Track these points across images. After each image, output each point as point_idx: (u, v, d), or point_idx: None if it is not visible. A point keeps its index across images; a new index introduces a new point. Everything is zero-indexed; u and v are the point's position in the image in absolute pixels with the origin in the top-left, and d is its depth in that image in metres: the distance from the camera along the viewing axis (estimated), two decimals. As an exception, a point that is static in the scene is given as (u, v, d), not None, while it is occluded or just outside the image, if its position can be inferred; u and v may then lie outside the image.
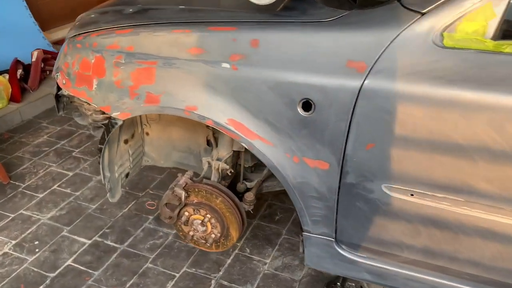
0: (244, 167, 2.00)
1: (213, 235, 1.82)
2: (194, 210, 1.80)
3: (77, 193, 2.62)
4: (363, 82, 1.24)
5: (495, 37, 1.18)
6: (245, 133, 1.42)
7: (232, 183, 2.00)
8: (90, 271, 2.10)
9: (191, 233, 1.84)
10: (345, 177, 1.37)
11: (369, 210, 1.40)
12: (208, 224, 1.79)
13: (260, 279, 2.08)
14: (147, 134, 2.08)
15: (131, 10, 1.73)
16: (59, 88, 1.90)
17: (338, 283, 1.79)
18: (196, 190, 1.77)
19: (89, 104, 1.77)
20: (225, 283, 2.05)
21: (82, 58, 1.65)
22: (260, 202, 2.57)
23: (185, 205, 1.80)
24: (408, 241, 1.42)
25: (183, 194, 1.76)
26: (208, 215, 1.77)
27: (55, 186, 2.67)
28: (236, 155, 1.94)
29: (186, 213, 1.81)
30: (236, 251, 2.24)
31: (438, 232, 1.36)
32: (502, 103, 1.14)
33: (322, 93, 1.29)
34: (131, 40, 1.53)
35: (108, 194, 1.94)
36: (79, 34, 1.70)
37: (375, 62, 1.23)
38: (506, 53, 1.15)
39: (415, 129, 1.23)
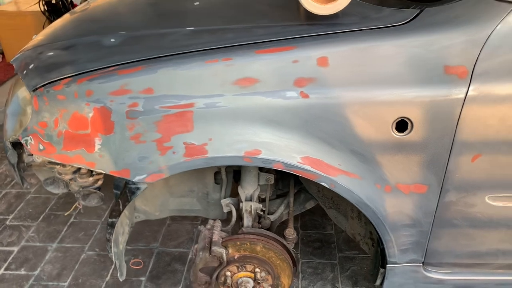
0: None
1: (263, 290, 1.54)
2: (238, 268, 1.49)
3: (36, 272, 2.09)
4: (468, 88, 1.08)
5: None
6: (325, 171, 1.17)
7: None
8: None
9: (236, 293, 1.54)
10: (444, 196, 1.22)
11: (468, 225, 1.27)
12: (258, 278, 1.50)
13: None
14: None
15: (113, 40, 1.34)
16: (20, 157, 1.44)
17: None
18: (238, 243, 1.47)
19: (64, 167, 1.36)
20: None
21: (71, 113, 1.23)
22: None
23: (228, 263, 1.48)
24: (505, 247, 1.31)
25: (223, 252, 1.44)
26: (257, 269, 1.48)
27: (1, 271, 2.10)
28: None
29: (228, 273, 1.49)
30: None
31: (542, 233, 1.27)
32: None
33: (420, 108, 1.10)
34: (147, 80, 1.17)
35: (118, 274, 1.53)
36: (54, 82, 1.26)
37: (475, 64, 1.08)
38: None
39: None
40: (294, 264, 1.56)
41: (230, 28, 1.26)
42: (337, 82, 1.11)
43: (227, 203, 1.60)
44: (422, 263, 1.38)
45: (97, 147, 1.23)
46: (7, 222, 2.40)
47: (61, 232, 2.32)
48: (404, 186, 1.20)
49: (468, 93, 1.08)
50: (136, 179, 1.22)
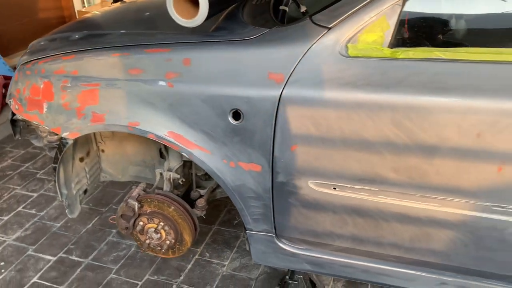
0: (199, 176, 2.13)
1: (168, 242, 1.94)
2: (148, 219, 1.92)
3: (42, 213, 2.70)
4: (282, 91, 1.40)
5: (391, 45, 1.36)
6: (184, 143, 1.56)
7: (186, 191, 2.13)
8: (56, 286, 2.18)
9: (147, 241, 1.96)
10: (276, 177, 1.52)
11: (300, 205, 1.56)
12: (162, 231, 1.91)
13: (219, 280, 2.20)
14: (103, 151, 2.19)
15: (77, 36, 1.86)
16: (13, 113, 2.01)
17: (287, 277, 1.93)
18: (149, 200, 1.89)
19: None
20: (186, 286, 2.16)
21: (31, 84, 1.76)
22: (220, 208, 2.71)
23: (140, 215, 1.92)
24: (337, 230, 1.57)
25: (136, 205, 1.88)
26: (162, 223, 1.89)
27: (19, 208, 2.74)
28: (189, 165, 2.08)
29: (141, 223, 1.93)
30: (196, 256, 2.36)
31: (361, 220, 1.52)
32: (400, 103, 1.31)
33: (248, 103, 1.44)
34: (75, 65, 1.65)
35: (66, 211, 2.05)
36: (28, 62, 1.81)
37: (291, 73, 1.39)
38: (400, 58, 1.33)
39: (329, 130, 1.39)
40: (196, 226, 1.94)
41: (140, 32, 1.71)
42: (193, 77, 1.50)
43: (157, 172, 2.03)
44: (276, 234, 1.68)
45: (44, 109, 1.75)
46: (37, 175, 3.07)
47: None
48: (244, 164, 1.54)
49: (282, 95, 1.40)
50: (64, 135, 1.72)
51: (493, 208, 1.35)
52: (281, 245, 1.69)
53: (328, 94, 1.37)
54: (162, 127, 1.56)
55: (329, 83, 1.37)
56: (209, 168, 1.57)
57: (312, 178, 1.49)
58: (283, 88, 1.40)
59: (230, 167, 1.56)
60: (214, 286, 2.17)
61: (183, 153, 1.58)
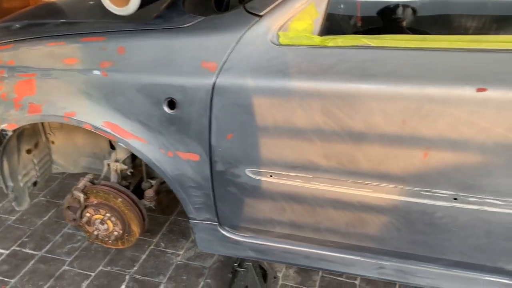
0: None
1: (115, 233, 1.93)
2: (94, 211, 1.90)
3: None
4: (215, 80, 1.40)
5: (321, 33, 1.36)
6: (121, 134, 1.55)
7: (138, 182, 2.12)
8: (7, 279, 2.16)
9: (95, 232, 1.95)
10: (214, 166, 1.53)
11: (240, 193, 1.56)
12: (109, 222, 1.90)
13: (172, 270, 2.21)
14: (53, 142, 2.16)
15: (17, 26, 1.82)
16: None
17: (235, 264, 1.94)
18: (94, 191, 1.88)
19: None
20: (139, 277, 2.17)
21: (-31, 74, 1.72)
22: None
23: (86, 206, 1.90)
24: (277, 217, 1.59)
25: (81, 196, 1.86)
26: (108, 214, 1.89)
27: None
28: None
29: (88, 214, 1.91)
30: (152, 246, 2.36)
31: (298, 207, 1.53)
32: (328, 90, 1.32)
33: (183, 92, 1.43)
34: (12, 55, 1.62)
35: (13, 203, 2.02)
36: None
37: (224, 62, 1.39)
38: (329, 46, 1.34)
39: (263, 118, 1.40)
40: (144, 217, 1.94)
41: (78, 21, 1.68)
42: (128, 66, 1.48)
43: (105, 163, 2.01)
44: (219, 223, 1.69)
45: (-17, 101, 1.71)
46: None
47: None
48: (181, 154, 1.54)
49: (216, 84, 1.40)
50: (2, 126, 1.69)
51: (422, 193, 1.38)
52: (224, 233, 1.70)
53: (260, 82, 1.37)
54: (98, 117, 1.55)
55: (261, 71, 1.37)
56: (147, 158, 1.56)
57: (249, 166, 1.50)
58: (217, 77, 1.40)
59: (168, 157, 1.56)
60: (167, 276, 2.17)
61: (121, 144, 1.57)
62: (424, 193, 1.38)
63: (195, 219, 1.69)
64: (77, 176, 2.83)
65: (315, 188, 1.47)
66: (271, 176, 1.50)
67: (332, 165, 1.41)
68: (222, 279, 2.12)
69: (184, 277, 2.17)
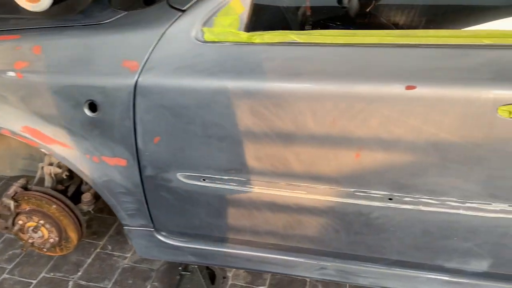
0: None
1: (51, 240, 1.83)
2: (27, 218, 1.80)
3: None
4: (137, 80, 1.30)
5: (248, 28, 1.28)
6: (42, 139, 1.44)
7: (79, 185, 2.02)
8: None
9: (30, 240, 1.85)
10: (144, 171, 1.44)
11: (174, 199, 1.49)
12: (43, 229, 1.80)
13: (118, 273, 2.12)
14: (-14, 145, 2.03)
15: None
16: None
17: (180, 268, 1.88)
18: (26, 197, 1.77)
19: None
20: (83, 282, 2.08)
21: None
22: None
23: (18, 213, 1.79)
24: (214, 221, 1.52)
25: (12, 203, 1.75)
26: (41, 221, 1.78)
27: None
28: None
29: (20, 222, 1.80)
30: (98, 249, 2.27)
31: (235, 211, 1.47)
32: (256, 91, 1.25)
33: (103, 93, 1.34)
34: None
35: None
36: None
37: (146, 60, 1.30)
38: (256, 43, 1.26)
39: (190, 121, 1.31)
40: (80, 222, 1.84)
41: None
42: (44, 66, 1.37)
43: (40, 167, 1.90)
44: (154, 228, 1.61)
45: None
46: None
47: None
48: (108, 159, 1.44)
49: (138, 84, 1.30)
50: None
51: (356, 193, 1.33)
52: (161, 238, 1.62)
53: (185, 82, 1.28)
54: (16, 122, 1.44)
55: (185, 70, 1.28)
56: (72, 165, 1.47)
57: (180, 170, 1.42)
58: (138, 77, 1.30)
59: (94, 163, 1.46)
60: (113, 280, 2.09)
61: (43, 150, 1.47)
62: (359, 194, 1.33)
63: (129, 226, 1.61)
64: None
65: (250, 191, 1.41)
66: (204, 180, 1.43)
67: (265, 167, 1.34)
68: (170, 282, 2.05)
69: (131, 281, 2.09)
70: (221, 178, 1.41)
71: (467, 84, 1.12)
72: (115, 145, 1.41)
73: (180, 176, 1.43)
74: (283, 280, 2.08)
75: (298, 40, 1.24)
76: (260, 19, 1.46)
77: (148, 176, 1.45)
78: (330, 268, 1.54)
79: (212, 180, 1.42)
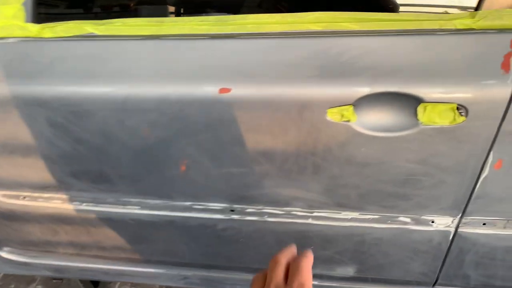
0: None
1: None
2: None
3: None
4: None
5: (40, 18, 1.03)
6: None
7: None
8: None
9: None
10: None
11: (3, 217, 1.29)
12: None
13: (0, 279, 1.95)
14: None
15: None
16: None
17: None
18: None
19: None
20: (-43, 293, 1.90)
21: None
22: None
23: None
24: (52, 238, 1.34)
25: None
26: None
27: None
28: None
29: None
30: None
31: (70, 228, 1.29)
32: (49, 97, 1.01)
33: None
34: None
35: None
36: None
37: None
38: (46, 38, 1.01)
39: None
40: None
41: None
42: None
43: None
44: (-4, 247, 1.42)
45: None
46: None
47: None
48: None
49: None
50: None
51: (194, 207, 1.16)
52: (6, 256, 1.44)
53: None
54: None
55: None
56: None
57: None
58: None
59: None
60: (-8, 287, 1.92)
61: None
62: (197, 207, 1.15)
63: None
64: None
65: (79, 209, 1.21)
66: (24, 198, 1.22)
67: (85, 183, 1.14)
68: (54, 285, 1.90)
69: (13, 286, 1.93)
70: (41, 196, 1.20)
71: (290, 83, 0.92)
72: None
73: (3, 197, 1.22)
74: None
75: (96, 33, 0.99)
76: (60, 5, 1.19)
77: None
78: (193, 277, 1.40)
79: (32, 198, 1.22)
